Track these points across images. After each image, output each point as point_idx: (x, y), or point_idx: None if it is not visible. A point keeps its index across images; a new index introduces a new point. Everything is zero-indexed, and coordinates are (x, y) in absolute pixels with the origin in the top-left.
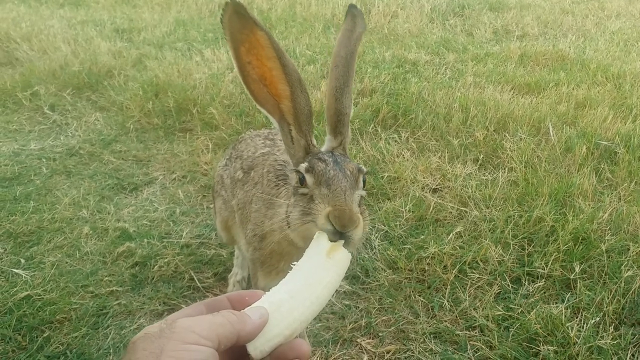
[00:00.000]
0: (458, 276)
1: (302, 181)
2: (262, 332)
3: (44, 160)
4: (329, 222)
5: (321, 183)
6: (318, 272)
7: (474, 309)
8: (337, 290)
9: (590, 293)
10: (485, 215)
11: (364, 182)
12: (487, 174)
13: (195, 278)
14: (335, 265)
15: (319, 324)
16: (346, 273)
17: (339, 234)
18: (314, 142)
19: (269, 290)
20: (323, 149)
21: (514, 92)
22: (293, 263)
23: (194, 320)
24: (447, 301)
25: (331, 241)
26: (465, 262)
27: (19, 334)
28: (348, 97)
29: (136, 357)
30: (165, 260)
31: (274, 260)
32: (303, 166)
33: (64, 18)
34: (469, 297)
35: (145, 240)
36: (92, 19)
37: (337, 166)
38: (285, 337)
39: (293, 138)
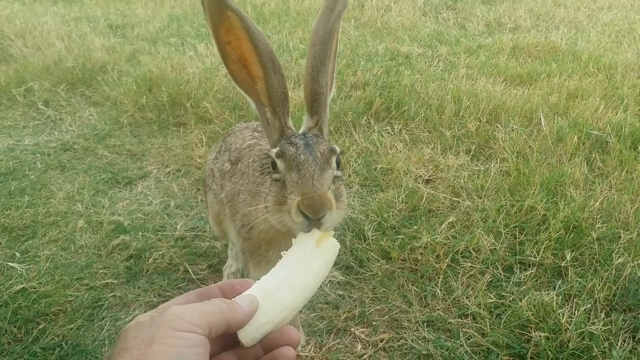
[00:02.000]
0: (451, 265)
1: (274, 166)
2: (252, 319)
3: (39, 155)
4: (301, 213)
5: (292, 168)
6: (307, 261)
7: (467, 297)
8: (331, 280)
9: (581, 280)
10: (477, 205)
11: (338, 162)
12: (479, 164)
13: (190, 270)
14: (325, 253)
15: (313, 314)
16: (340, 263)
17: (314, 221)
18: (290, 124)
19: (259, 279)
20: (301, 129)
21: (506, 84)
22: (283, 252)
23: (185, 308)
24: (440, 290)
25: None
26: (457, 251)
27: (15, 326)
28: (325, 77)
29: (128, 345)
30: (160, 252)
31: (263, 249)
32: (274, 151)
33: (58, 14)
34: (461, 285)
35: (140, 233)
36: (85, 15)
37: (308, 149)
38: (276, 325)
39: (268, 120)
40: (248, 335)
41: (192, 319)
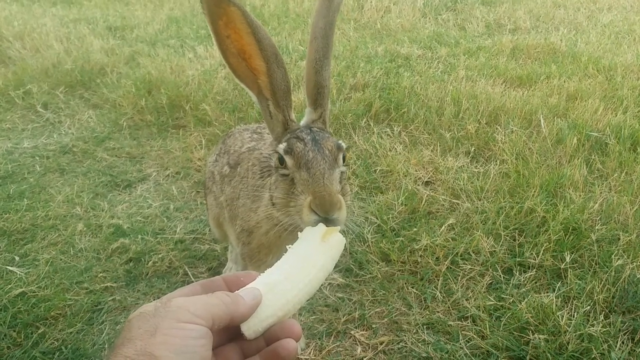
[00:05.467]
0: (450, 267)
1: (281, 161)
2: (255, 312)
3: (38, 158)
4: (312, 212)
5: (300, 166)
6: (312, 255)
7: (466, 299)
8: (330, 283)
9: (580, 282)
10: (477, 207)
11: (344, 158)
12: (479, 166)
13: (190, 273)
14: (330, 249)
15: (313, 317)
16: (340, 266)
17: (325, 220)
18: (293, 117)
19: (263, 272)
20: (303, 121)
21: (505, 85)
22: (288, 245)
23: (189, 300)
24: (440, 292)
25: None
26: (457, 253)
27: (14, 331)
28: (327, 70)
29: (131, 335)
30: (160, 255)
31: (262, 254)
32: (282, 147)
33: (57, 16)
34: (461, 288)
35: (139, 236)
36: (84, 17)
37: (316, 146)
38: (279, 318)
39: (271, 113)
40: (251, 328)
41: (195, 311)
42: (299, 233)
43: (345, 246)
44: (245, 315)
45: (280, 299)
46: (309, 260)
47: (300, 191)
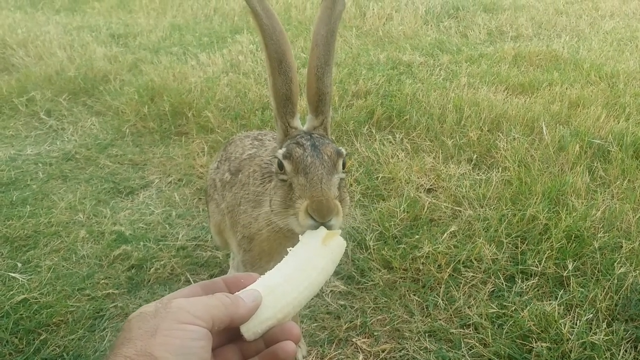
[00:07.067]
0: (452, 275)
1: (281, 166)
2: (255, 314)
3: (41, 165)
4: (309, 216)
5: (299, 171)
6: (313, 259)
7: (468, 307)
8: (332, 290)
9: (583, 290)
10: (479, 214)
11: (344, 164)
12: (481, 173)
13: (192, 280)
14: (331, 252)
15: (315, 324)
16: (341, 273)
17: (321, 224)
18: (295, 124)
19: (264, 274)
20: (304, 127)
21: (507, 93)
22: (289, 248)
23: (189, 301)
24: (442, 300)
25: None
26: (459, 261)
27: (16, 337)
28: (329, 77)
29: (131, 335)
30: (162, 262)
31: (263, 261)
32: (281, 152)
33: (60, 24)
34: (463, 295)
35: (142, 243)
36: (88, 24)
37: (315, 151)
38: (278, 320)
39: (275, 119)
40: (250, 330)
41: (195, 312)
42: (300, 236)
43: (347, 253)
44: (245, 317)
45: (280, 301)
46: (310, 263)
47: (297, 196)
